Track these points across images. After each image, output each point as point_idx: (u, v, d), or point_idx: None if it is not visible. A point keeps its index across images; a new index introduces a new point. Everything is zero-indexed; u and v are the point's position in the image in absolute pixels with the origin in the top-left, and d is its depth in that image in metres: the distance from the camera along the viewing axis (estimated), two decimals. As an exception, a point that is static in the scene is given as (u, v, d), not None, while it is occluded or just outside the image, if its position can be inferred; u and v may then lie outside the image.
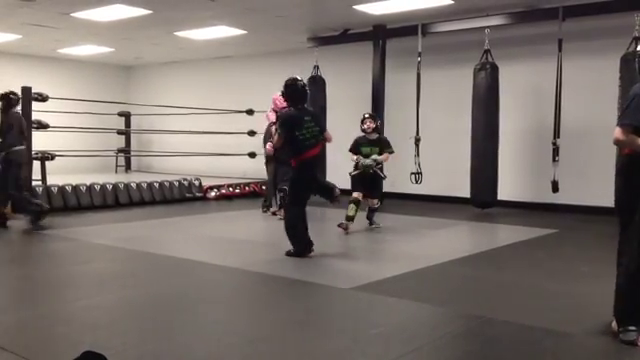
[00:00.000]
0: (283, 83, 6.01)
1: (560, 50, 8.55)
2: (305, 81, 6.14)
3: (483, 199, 9.16)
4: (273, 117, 7.98)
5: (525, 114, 9.75)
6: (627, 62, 7.73)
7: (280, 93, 6.75)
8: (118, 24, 10.35)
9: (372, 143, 7.35)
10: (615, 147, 3.82)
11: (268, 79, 13.03)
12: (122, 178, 11.14)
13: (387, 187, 9.48)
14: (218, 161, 12.96)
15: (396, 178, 9.79)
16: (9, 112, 7.39)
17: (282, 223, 8.02)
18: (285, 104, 6.38)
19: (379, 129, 7.61)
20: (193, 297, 4.50)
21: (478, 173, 9.11)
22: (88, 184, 9.42)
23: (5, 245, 6.76)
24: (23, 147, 7.46)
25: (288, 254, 5.88)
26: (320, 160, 5.69)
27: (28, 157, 7.63)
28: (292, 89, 5.93)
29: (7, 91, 7.50)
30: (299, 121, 5.77)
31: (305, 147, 5.76)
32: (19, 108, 7.65)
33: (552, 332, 3.62)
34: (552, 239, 7.14)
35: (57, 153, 9.47)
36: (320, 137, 5.96)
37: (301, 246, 5.86)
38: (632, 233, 3.41)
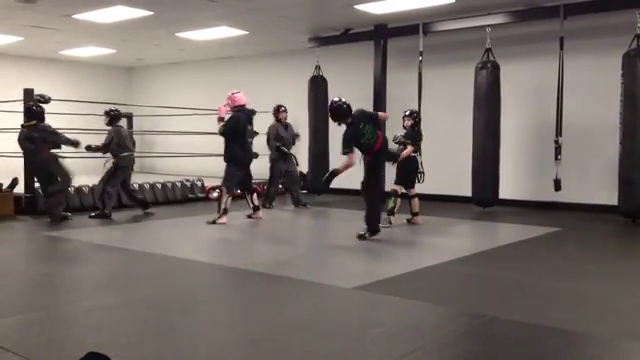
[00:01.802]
0: (329, 106, 6.92)
1: (562, 48, 8.53)
2: (344, 99, 6.82)
3: (484, 198, 9.16)
4: (223, 111, 8.15)
5: (527, 113, 9.75)
6: (629, 60, 7.73)
7: (234, 92, 8.15)
8: (119, 25, 10.36)
9: (405, 137, 7.91)
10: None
11: (270, 79, 13.07)
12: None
13: (388, 187, 9.47)
14: (220, 162, 12.93)
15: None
16: (113, 126, 8.75)
17: (283, 224, 8.06)
18: (235, 106, 8.02)
19: (415, 125, 8.01)
20: (195, 297, 4.51)
21: (479, 172, 9.11)
22: (90, 185, 9.43)
23: (8, 247, 6.78)
24: (126, 154, 8.75)
25: (360, 237, 6.65)
26: (386, 145, 7.03)
27: (131, 162, 9.07)
28: (338, 109, 6.75)
29: (108, 108, 8.88)
30: (358, 133, 6.62)
31: (370, 146, 6.69)
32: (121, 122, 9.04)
33: (555, 331, 3.61)
34: (555, 237, 7.13)
35: (59, 154, 9.46)
36: (377, 132, 6.75)
37: (376, 224, 6.74)
38: None
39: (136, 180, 10.57)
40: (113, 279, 5.15)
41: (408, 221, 7.96)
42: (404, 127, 7.92)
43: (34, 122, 8.19)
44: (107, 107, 8.98)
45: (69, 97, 11.56)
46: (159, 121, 13.74)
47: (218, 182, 11.49)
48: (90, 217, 8.49)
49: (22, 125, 8.38)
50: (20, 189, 8.88)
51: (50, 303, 4.34)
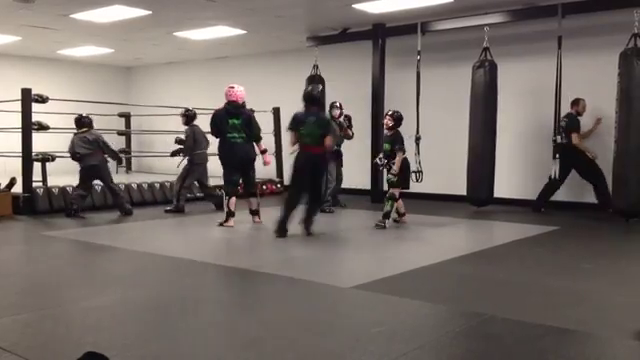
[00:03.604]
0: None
1: (560, 47, 8.54)
2: (313, 88, 7.30)
3: (479, 197, 9.17)
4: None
5: (524, 111, 9.76)
6: (626, 58, 7.74)
7: (230, 86, 8.10)
8: (117, 25, 10.35)
9: (386, 139, 7.82)
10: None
11: (268, 79, 13.06)
12: (123, 179, 11.13)
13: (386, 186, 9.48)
14: (219, 161, 12.93)
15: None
16: (189, 125, 9.38)
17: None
18: (227, 101, 7.91)
19: (396, 126, 7.77)
20: (194, 297, 4.51)
21: (475, 171, 9.13)
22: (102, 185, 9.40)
23: (6, 247, 6.77)
24: (200, 152, 9.27)
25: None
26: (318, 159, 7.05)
27: (203, 159, 9.47)
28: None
29: (184, 109, 9.60)
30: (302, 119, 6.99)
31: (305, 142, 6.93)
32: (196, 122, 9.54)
33: (553, 329, 3.62)
34: (552, 236, 7.15)
35: (58, 154, 9.47)
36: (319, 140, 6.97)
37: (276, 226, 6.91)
38: None
39: (134, 180, 10.59)
40: (112, 279, 5.15)
41: (395, 221, 7.89)
42: (383, 125, 7.87)
43: (86, 129, 8.67)
44: (183, 109, 9.68)
45: (67, 97, 11.54)
46: (157, 121, 13.74)
47: (217, 182, 11.50)
48: (165, 211, 9.14)
49: (75, 134, 8.74)
50: (18, 189, 8.87)
51: (48, 303, 4.34)
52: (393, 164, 7.60)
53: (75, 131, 8.75)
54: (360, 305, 4.31)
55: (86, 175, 8.69)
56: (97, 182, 9.07)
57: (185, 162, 9.40)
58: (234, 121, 7.82)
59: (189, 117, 9.47)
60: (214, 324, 3.86)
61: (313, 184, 7.08)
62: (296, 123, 7.03)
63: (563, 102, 8.60)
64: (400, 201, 7.91)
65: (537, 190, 9.49)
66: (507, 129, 9.49)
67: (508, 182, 9.61)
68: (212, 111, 11.25)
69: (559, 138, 8.56)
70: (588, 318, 3.95)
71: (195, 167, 9.27)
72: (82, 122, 8.75)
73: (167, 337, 3.56)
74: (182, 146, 9.47)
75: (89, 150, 8.57)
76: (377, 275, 5.06)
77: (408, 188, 7.93)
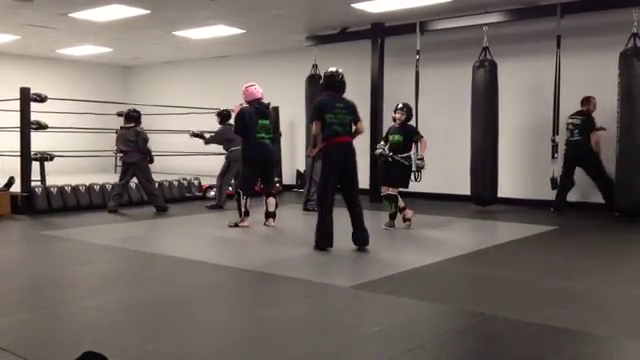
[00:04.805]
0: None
1: (559, 47, 8.55)
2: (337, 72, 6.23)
3: (483, 196, 9.17)
4: (237, 111, 7.63)
5: (524, 111, 9.76)
6: (626, 58, 7.74)
7: (248, 86, 7.70)
8: (116, 24, 10.35)
9: (396, 131, 7.60)
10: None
11: (267, 78, 13.01)
12: (122, 178, 11.12)
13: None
14: (217, 160, 12.92)
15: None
16: (224, 124, 9.62)
17: (283, 224, 8.03)
18: (250, 100, 7.52)
19: (409, 119, 7.67)
20: (193, 297, 4.50)
21: (478, 170, 9.13)
22: (87, 184, 9.42)
23: (5, 246, 6.76)
24: (235, 149, 9.08)
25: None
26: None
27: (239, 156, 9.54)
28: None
29: (222, 109, 9.86)
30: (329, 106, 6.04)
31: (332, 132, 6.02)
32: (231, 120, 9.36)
33: (552, 328, 3.62)
34: (552, 236, 7.15)
35: (56, 153, 9.46)
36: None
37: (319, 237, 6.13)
38: None
39: (133, 179, 10.56)
40: (110, 278, 5.15)
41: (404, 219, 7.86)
42: (394, 120, 7.62)
43: (132, 124, 9.04)
44: (220, 109, 9.94)
45: (66, 96, 11.53)
46: (156, 120, 13.70)
47: (215, 181, 11.50)
48: (207, 207, 9.48)
49: (121, 127, 9.19)
50: (17, 188, 8.86)
51: (47, 302, 4.34)
52: (405, 156, 7.52)
53: (122, 124, 9.14)
54: (360, 305, 4.30)
55: (127, 171, 9.07)
56: (95, 182, 9.08)
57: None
58: (264, 121, 7.50)
59: (223, 117, 9.78)
60: (213, 323, 3.85)
61: (348, 181, 6.12)
62: (323, 111, 5.99)
63: (562, 101, 8.60)
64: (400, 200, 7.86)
65: (536, 189, 9.51)
66: (508, 128, 9.49)
67: (508, 181, 9.61)
68: (211, 110, 11.28)
69: (569, 135, 8.55)
70: (587, 317, 3.95)
71: (232, 164, 9.40)
72: (129, 117, 9.13)
73: (166, 336, 3.55)
74: (203, 135, 9.83)
75: (130, 147, 8.91)
76: (377, 275, 5.05)
77: (407, 187, 7.88)
